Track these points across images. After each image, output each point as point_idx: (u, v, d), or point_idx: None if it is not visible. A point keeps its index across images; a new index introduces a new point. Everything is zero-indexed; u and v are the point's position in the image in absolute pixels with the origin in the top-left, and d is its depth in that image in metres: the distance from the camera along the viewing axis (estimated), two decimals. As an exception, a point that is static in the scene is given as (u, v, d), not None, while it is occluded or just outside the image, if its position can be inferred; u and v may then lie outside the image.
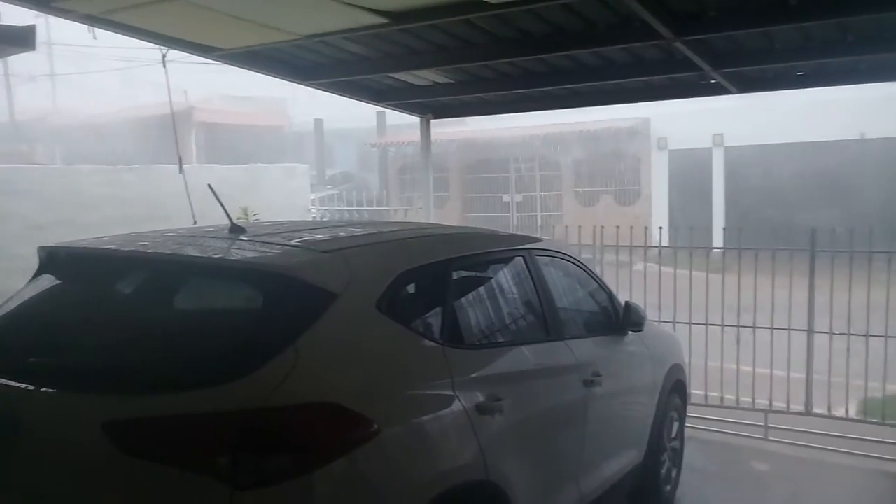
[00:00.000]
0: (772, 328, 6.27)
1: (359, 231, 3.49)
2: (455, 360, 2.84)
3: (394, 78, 6.01)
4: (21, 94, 24.44)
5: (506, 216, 20.44)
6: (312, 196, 13.31)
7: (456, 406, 2.75)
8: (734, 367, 6.41)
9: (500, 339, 3.37)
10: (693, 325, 6.55)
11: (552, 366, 3.54)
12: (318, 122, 24.09)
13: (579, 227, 6.86)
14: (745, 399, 6.39)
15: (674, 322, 6.57)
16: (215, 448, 2.18)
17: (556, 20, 4.56)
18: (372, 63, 5.43)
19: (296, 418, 2.25)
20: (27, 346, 2.73)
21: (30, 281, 3.03)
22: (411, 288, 2.89)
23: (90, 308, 2.87)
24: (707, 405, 6.50)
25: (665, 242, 7.07)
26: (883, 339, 5.83)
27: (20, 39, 3.46)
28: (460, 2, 4.13)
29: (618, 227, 6.81)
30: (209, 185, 3.16)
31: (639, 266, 6.78)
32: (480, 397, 2.86)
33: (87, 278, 2.97)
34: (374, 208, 10.12)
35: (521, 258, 3.67)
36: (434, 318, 2.91)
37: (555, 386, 3.52)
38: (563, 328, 3.78)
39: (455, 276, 3.17)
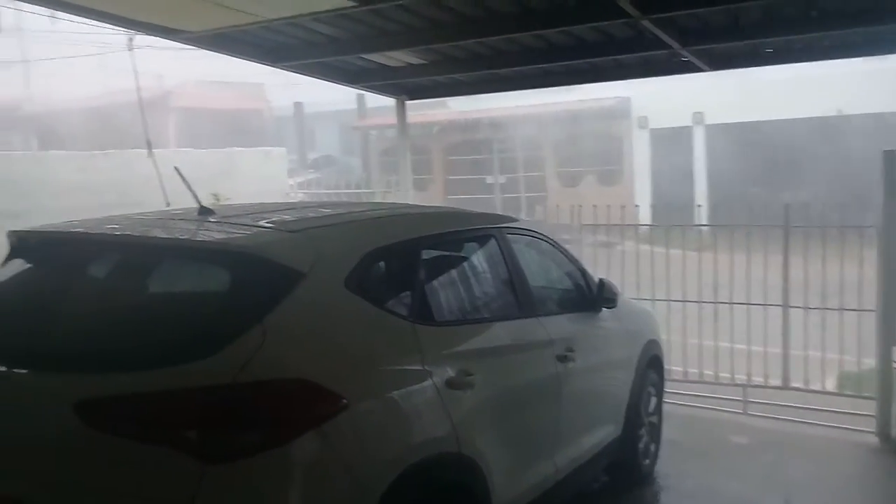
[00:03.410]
0: (748, 304, 6.34)
1: (327, 211, 3.49)
2: (425, 336, 2.87)
3: (366, 59, 6.00)
4: (-6, 81, 24.08)
5: (490, 198, 20.45)
6: (293, 180, 13.28)
7: (426, 381, 2.78)
8: (712, 343, 6.49)
9: (471, 316, 3.39)
10: (671, 303, 6.61)
11: (524, 342, 3.57)
12: (298, 106, 23.96)
13: (556, 206, 6.88)
14: (724, 374, 6.47)
15: (652, 300, 6.62)
16: (185, 423, 2.22)
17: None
18: (342, 44, 5.41)
19: (262, 394, 2.28)
20: None
21: (1, 265, 3.02)
22: (380, 266, 2.90)
23: (61, 291, 2.88)
24: (686, 381, 6.57)
25: (647, 221, 7.12)
26: (857, 312, 5.90)
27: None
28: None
29: (594, 206, 6.84)
30: (176, 168, 3.15)
31: (622, 245, 6.83)
32: (451, 373, 2.89)
33: (57, 262, 2.97)
34: (356, 191, 10.12)
35: (491, 237, 3.69)
36: (403, 296, 2.93)
37: (527, 361, 3.55)
38: (536, 305, 3.80)
39: (424, 254, 3.18)
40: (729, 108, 17.55)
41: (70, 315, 2.75)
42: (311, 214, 3.37)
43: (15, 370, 2.52)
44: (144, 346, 2.45)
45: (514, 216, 4.58)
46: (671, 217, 6.74)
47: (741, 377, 6.39)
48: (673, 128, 19.23)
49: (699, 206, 7.85)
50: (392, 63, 6.13)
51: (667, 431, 5.33)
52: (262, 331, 2.35)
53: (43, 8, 4.39)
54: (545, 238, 4.32)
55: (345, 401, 2.41)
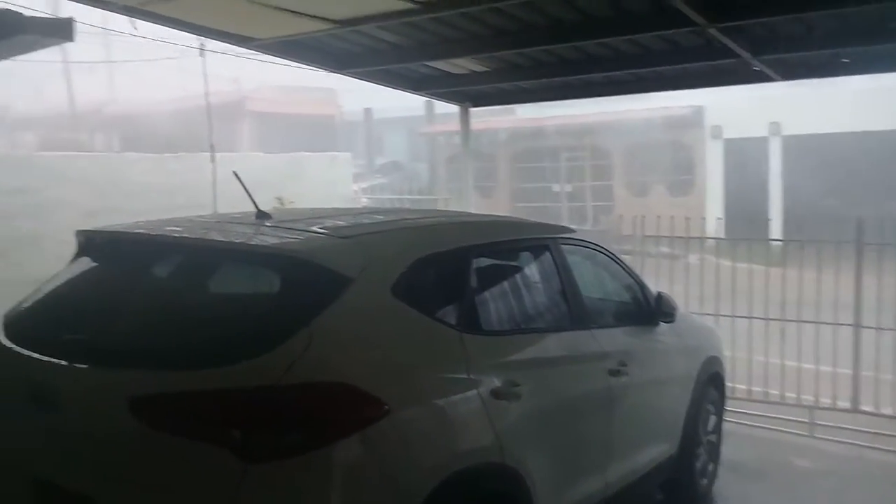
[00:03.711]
0: (818, 322, 6.13)
1: (380, 218, 3.53)
2: (471, 345, 2.86)
3: (430, 66, 6.05)
4: (80, 83, 25.16)
5: (556, 206, 20.28)
6: (358, 185, 13.47)
7: (471, 390, 2.77)
8: (779, 361, 6.30)
9: (520, 327, 3.36)
10: (737, 319, 6.45)
11: (575, 354, 3.52)
12: (368, 112, 24.25)
13: (620, 216, 6.80)
14: (790, 395, 6.26)
15: (716, 315, 6.47)
16: (229, 422, 2.27)
17: (586, 8, 4.54)
18: (406, 51, 5.48)
19: (306, 396, 2.32)
20: (63, 324, 2.87)
21: (69, 263, 3.17)
22: (428, 274, 2.90)
23: (121, 289, 2.99)
24: (750, 400, 6.39)
25: (719, 234, 6.97)
26: (934, 334, 5.64)
27: (59, 31, 3.60)
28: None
29: (658, 216, 6.72)
30: (234, 173, 3.23)
31: (687, 258, 6.70)
32: (497, 383, 2.87)
33: (119, 261, 3.09)
34: (420, 197, 10.18)
35: (545, 247, 3.65)
36: (451, 304, 2.93)
37: (577, 374, 3.51)
38: (588, 317, 3.75)
39: (474, 263, 3.17)
40: (806, 118, 16.97)
41: (128, 313, 2.84)
42: (363, 221, 3.41)
43: (76, 365, 2.62)
44: (195, 345, 2.53)
45: (569, 227, 4.53)
46: (741, 230, 6.57)
47: (808, 398, 6.18)
48: (748, 138, 18.70)
49: (769, 219, 7.62)
50: (455, 70, 6.17)
51: (727, 451, 5.19)
52: (308, 334, 2.39)
53: (123, 16, 4.57)
54: (602, 249, 4.25)
55: (387, 406, 2.43)
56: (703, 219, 6.85)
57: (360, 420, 2.38)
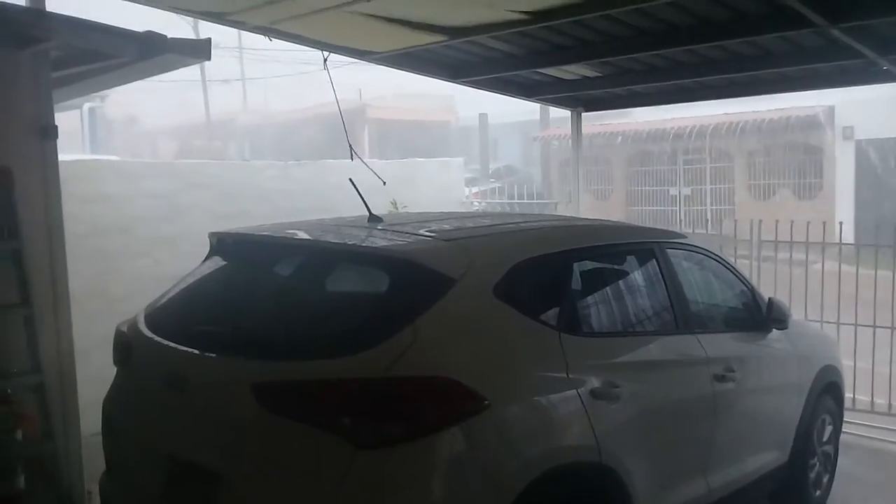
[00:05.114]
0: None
1: (486, 222, 3.67)
2: (570, 346, 2.94)
3: (542, 73, 6.13)
4: (216, 95, 26.80)
5: (672, 210, 19.78)
6: (474, 189, 13.63)
7: (569, 389, 2.86)
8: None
9: (620, 329, 3.41)
10: (859, 327, 6.18)
11: (677, 358, 3.54)
12: (483, 117, 24.49)
13: (735, 220, 6.64)
14: (919, 408, 5.96)
15: (837, 323, 6.23)
16: (341, 410, 2.46)
17: (701, 12, 4.49)
18: (518, 59, 5.58)
19: (410, 388, 2.49)
20: (195, 316, 3.17)
21: (202, 261, 3.49)
22: (529, 276, 3.00)
23: (247, 286, 3.27)
24: (873, 412, 6.11)
25: (849, 239, 6.69)
26: None
27: (198, 51, 3.95)
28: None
29: (777, 221, 6.52)
30: (350, 180, 3.47)
31: (809, 265, 6.46)
32: (596, 383, 2.95)
33: (246, 260, 3.38)
34: (533, 201, 10.22)
35: (649, 252, 3.68)
36: (551, 306, 3.02)
37: (679, 378, 3.52)
38: (693, 322, 3.75)
39: (576, 266, 3.26)
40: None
41: (253, 308, 3.10)
42: (468, 224, 3.56)
43: (206, 353, 2.89)
44: (311, 338, 2.75)
45: (676, 231, 4.51)
46: (871, 236, 6.28)
47: (939, 412, 5.86)
48: (882, 139, 17.60)
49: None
50: (567, 76, 6.22)
51: (847, 464, 5.03)
52: (413, 331, 2.55)
53: (255, 34, 4.92)
54: (711, 254, 4.23)
55: (487, 401, 2.56)
56: (824, 223, 6.54)
57: (461, 413, 2.52)
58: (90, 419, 3.81)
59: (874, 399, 6.10)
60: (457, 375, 2.55)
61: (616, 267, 3.61)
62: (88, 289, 5.24)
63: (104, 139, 24.18)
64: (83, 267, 4.78)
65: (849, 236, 6.95)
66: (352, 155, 5.23)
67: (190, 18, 16.28)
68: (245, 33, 6.32)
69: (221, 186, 6.72)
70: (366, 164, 5.21)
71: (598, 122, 18.27)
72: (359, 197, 3.39)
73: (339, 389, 2.48)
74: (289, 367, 2.61)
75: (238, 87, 28.48)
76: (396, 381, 2.47)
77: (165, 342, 3.02)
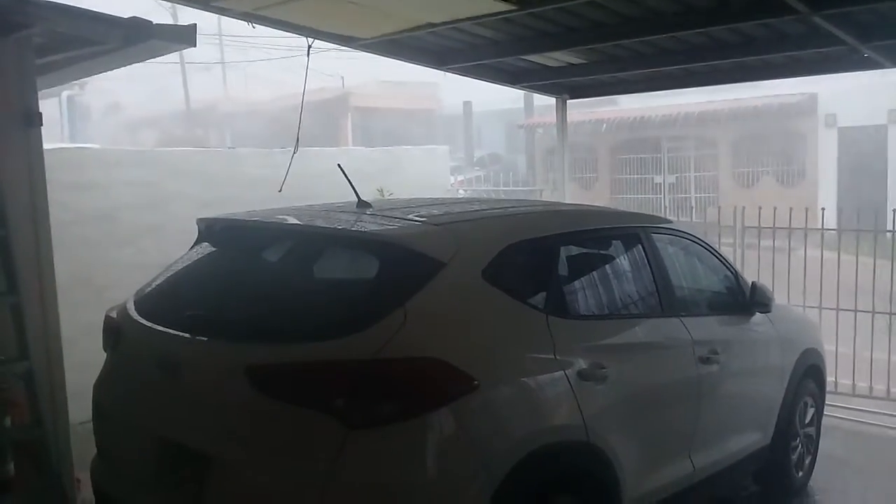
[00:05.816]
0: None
1: (473, 207, 3.69)
2: (558, 328, 2.98)
3: (527, 60, 6.15)
4: (195, 83, 26.58)
5: (657, 198, 19.89)
6: (459, 177, 13.65)
7: (557, 371, 2.91)
8: (885, 356, 6.10)
9: (606, 312, 3.45)
10: (842, 312, 6.28)
11: (662, 340, 3.59)
12: (467, 105, 24.47)
13: (718, 207, 6.71)
14: (897, 390, 6.07)
15: (819, 308, 6.33)
16: (334, 391, 2.50)
17: (684, -2, 4.53)
18: (503, 46, 5.59)
19: (401, 369, 2.53)
20: (186, 301, 3.17)
21: (191, 248, 3.49)
22: (517, 259, 3.04)
23: (237, 270, 3.29)
24: (854, 395, 6.22)
25: (830, 225, 6.78)
26: None
27: (183, 37, 3.93)
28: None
29: (760, 207, 6.59)
30: (339, 166, 3.48)
31: (790, 251, 6.55)
32: (583, 364, 2.99)
33: (235, 245, 3.39)
34: (518, 189, 10.26)
35: (634, 236, 3.72)
36: (538, 289, 3.07)
37: (665, 360, 3.58)
38: (678, 305, 3.80)
39: (563, 249, 3.30)
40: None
41: (243, 292, 3.11)
42: (456, 209, 3.59)
43: (198, 337, 2.90)
44: (302, 321, 2.77)
45: (662, 216, 4.56)
46: (853, 222, 6.37)
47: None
48: (864, 126, 17.77)
49: (883, 210, 7.31)
50: (552, 63, 6.24)
51: (829, 446, 5.11)
52: (403, 313, 2.58)
53: (240, 20, 4.89)
54: (696, 239, 4.28)
55: (476, 382, 2.60)
56: (807, 209, 6.63)
57: (451, 393, 2.56)
58: (77, 407, 3.83)
59: (856, 382, 6.20)
60: (446, 357, 2.59)
61: (603, 251, 3.64)
62: (73, 277, 5.21)
63: (83, 128, 23.99)
64: (67, 255, 4.76)
65: (831, 222, 7.01)
66: (296, 147, 5.22)
67: (168, 4, 16.15)
68: (224, 19, 6.27)
69: (205, 174, 6.69)
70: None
71: (584, 110, 18.30)
72: (348, 183, 3.40)
73: (332, 371, 2.51)
74: (282, 350, 2.63)
75: (218, 75, 28.29)
76: (387, 362, 2.50)
77: (156, 327, 3.04)
